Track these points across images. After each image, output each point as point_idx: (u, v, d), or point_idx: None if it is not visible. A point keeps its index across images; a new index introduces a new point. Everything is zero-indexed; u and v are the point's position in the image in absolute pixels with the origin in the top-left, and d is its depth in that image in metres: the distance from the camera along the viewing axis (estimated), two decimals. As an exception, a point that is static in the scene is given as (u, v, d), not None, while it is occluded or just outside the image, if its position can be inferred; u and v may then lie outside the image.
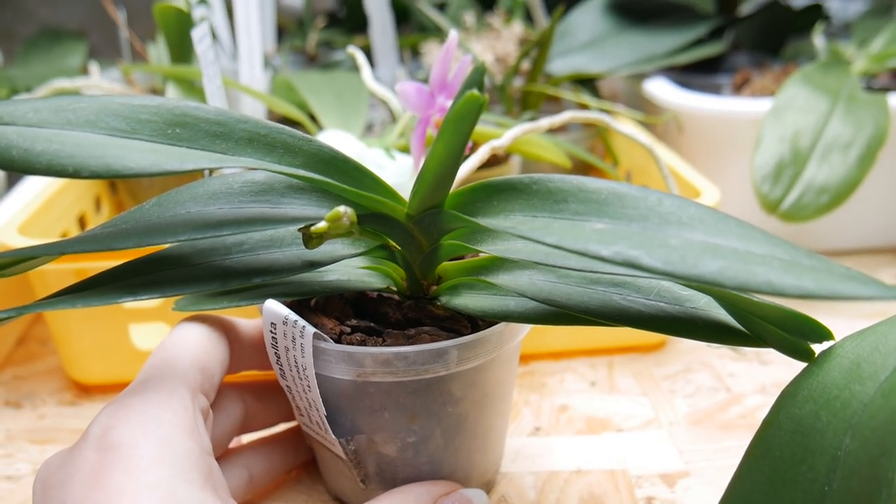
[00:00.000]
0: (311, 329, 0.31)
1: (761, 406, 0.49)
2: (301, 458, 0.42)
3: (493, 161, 0.61)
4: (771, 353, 0.55)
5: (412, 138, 0.47)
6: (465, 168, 0.45)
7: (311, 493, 0.42)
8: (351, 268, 0.36)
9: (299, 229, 0.28)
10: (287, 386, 0.35)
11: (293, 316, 0.32)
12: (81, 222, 0.61)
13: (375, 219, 0.31)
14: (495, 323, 0.34)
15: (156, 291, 0.29)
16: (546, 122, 0.53)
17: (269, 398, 0.40)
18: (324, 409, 0.34)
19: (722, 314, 0.31)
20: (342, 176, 0.31)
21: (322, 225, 0.27)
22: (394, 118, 0.63)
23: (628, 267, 0.22)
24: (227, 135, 0.29)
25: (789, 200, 0.57)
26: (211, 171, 0.53)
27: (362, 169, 0.31)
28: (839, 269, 0.22)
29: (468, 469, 0.38)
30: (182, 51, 0.64)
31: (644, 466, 0.44)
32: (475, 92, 0.24)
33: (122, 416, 0.28)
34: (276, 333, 0.33)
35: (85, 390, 0.52)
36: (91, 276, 0.29)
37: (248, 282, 0.31)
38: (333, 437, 0.35)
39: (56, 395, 0.52)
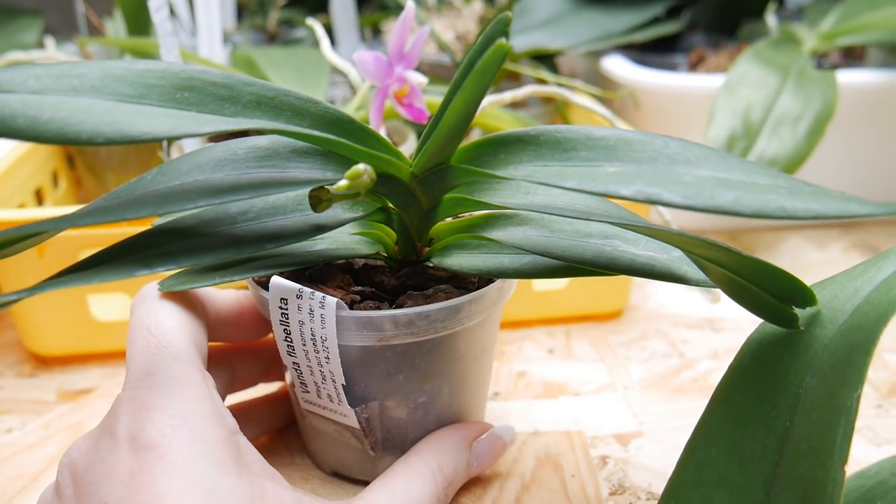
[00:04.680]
0: (333, 299, 0.31)
1: (713, 370, 0.50)
2: (273, 426, 0.43)
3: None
4: (724, 321, 0.56)
5: (370, 109, 0.47)
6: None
7: (306, 471, 0.42)
8: (343, 234, 0.35)
9: (311, 191, 0.28)
10: (295, 363, 0.34)
11: (308, 289, 0.32)
12: (38, 196, 0.61)
13: (379, 179, 0.31)
14: (487, 282, 0.36)
15: (171, 262, 0.29)
16: (509, 94, 0.54)
17: (251, 358, 0.40)
18: (343, 378, 0.34)
19: None
20: (349, 136, 0.31)
21: (343, 183, 0.27)
22: (354, 92, 0.63)
23: (649, 203, 0.24)
24: (234, 98, 0.29)
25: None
26: (170, 142, 0.53)
27: (367, 129, 0.31)
28: (836, 194, 0.24)
29: (467, 421, 0.39)
30: (139, 24, 0.64)
31: (599, 428, 0.45)
32: (503, 41, 0.24)
33: (146, 417, 0.28)
34: (286, 309, 0.32)
35: (44, 362, 0.52)
36: (98, 251, 0.29)
37: (262, 249, 0.30)
38: (348, 407, 0.35)
39: (14, 367, 0.51)
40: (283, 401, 0.43)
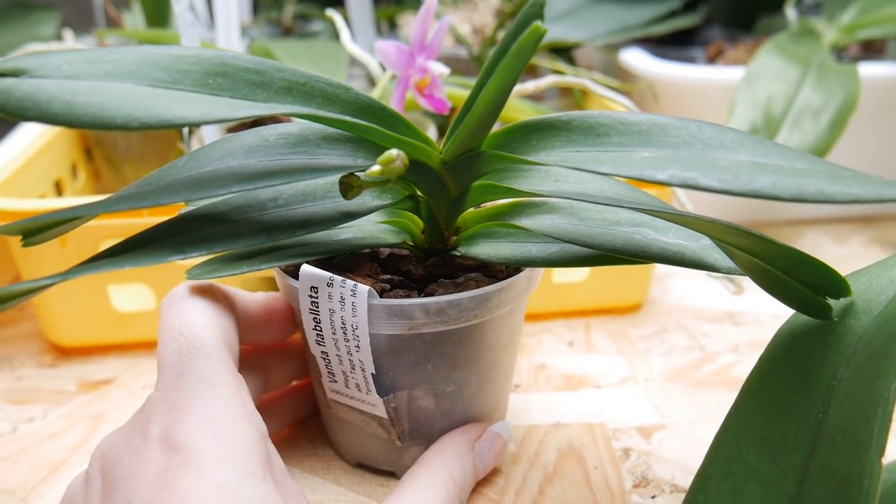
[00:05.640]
0: (364, 287, 0.31)
1: (734, 364, 0.50)
2: (297, 417, 0.43)
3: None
4: (745, 315, 0.56)
5: (392, 100, 0.47)
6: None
7: (328, 461, 0.42)
8: (369, 223, 0.35)
9: (342, 178, 0.28)
10: (323, 352, 0.34)
11: (338, 277, 0.31)
12: (58, 187, 0.61)
13: (409, 165, 0.31)
14: (514, 271, 0.36)
15: (203, 248, 0.29)
16: (532, 84, 0.54)
17: (286, 359, 0.40)
18: (373, 367, 0.33)
19: None
20: (380, 122, 0.31)
21: (376, 168, 0.26)
22: (372, 84, 0.63)
23: (685, 188, 0.24)
24: (266, 84, 0.28)
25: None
26: (191, 131, 0.53)
27: (397, 116, 0.31)
28: (874, 178, 0.23)
29: (492, 412, 0.40)
30: (158, 16, 0.64)
31: (621, 420, 0.45)
32: (539, 23, 0.24)
33: (176, 417, 0.28)
34: (316, 297, 0.32)
35: (64, 353, 0.52)
36: (129, 237, 0.29)
37: (293, 235, 0.30)
38: (377, 397, 0.35)
39: (35, 357, 0.52)
40: (305, 391, 0.43)
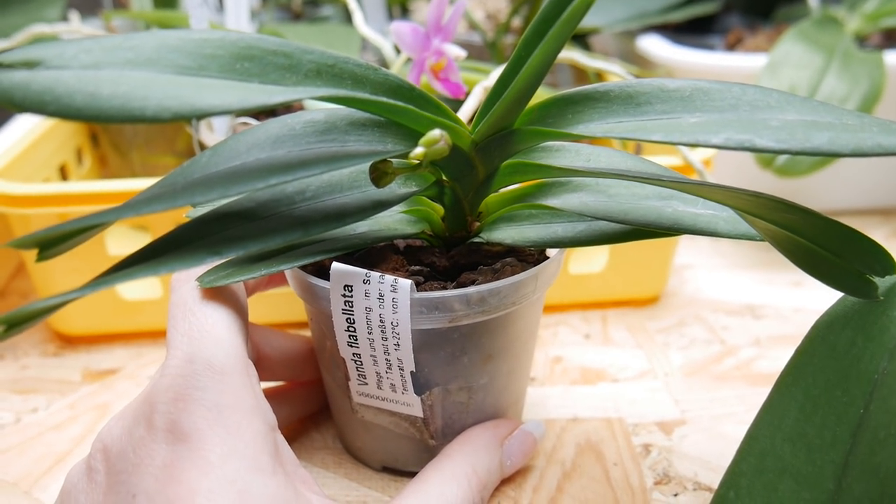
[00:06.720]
0: (406, 282, 0.30)
1: (756, 358, 0.49)
2: (306, 411, 0.42)
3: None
4: (765, 308, 0.55)
5: (406, 83, 0.46)
6: (464, 111, 0.45)
7: (338, 455, 0.41)
8: (385, 214, 0.33)
9: (375, 164, 0.27)
10: (355, 354, 0.32)
11: (376, 273, 0.30)
12: (63, 172, 0.60)
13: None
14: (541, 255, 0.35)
15: (238, 247, 0.27)
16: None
17: (283, 350, 0.38)
18: (413, 364, 0.32)
19: None
20: (411, 103, 0.29)
21: (420, 150, 0.25)
22: (385, 68, 0.61)
23: (742, 150, 0.23)
24: (295, 67, 0.27)
25: (784, 156, 0.57)
26: (199, 119, 0.52)
27: (427, 96, 0.30)
28: None
29: (516, 401, 0.38)
30: (166, -2, 0.62)
31: (640, 415, 0.43)
32: None
33: (182, 408, 0.27)
34: (350, 296, 0.30)
35: (68, 341, 0.51)
36: (157, 239, 0.27)
37: (328, 228, 0.29)
38: (414, 395, 0.33)
39: (38, 346, 0.50)
40: (316, 385, 0.42)
